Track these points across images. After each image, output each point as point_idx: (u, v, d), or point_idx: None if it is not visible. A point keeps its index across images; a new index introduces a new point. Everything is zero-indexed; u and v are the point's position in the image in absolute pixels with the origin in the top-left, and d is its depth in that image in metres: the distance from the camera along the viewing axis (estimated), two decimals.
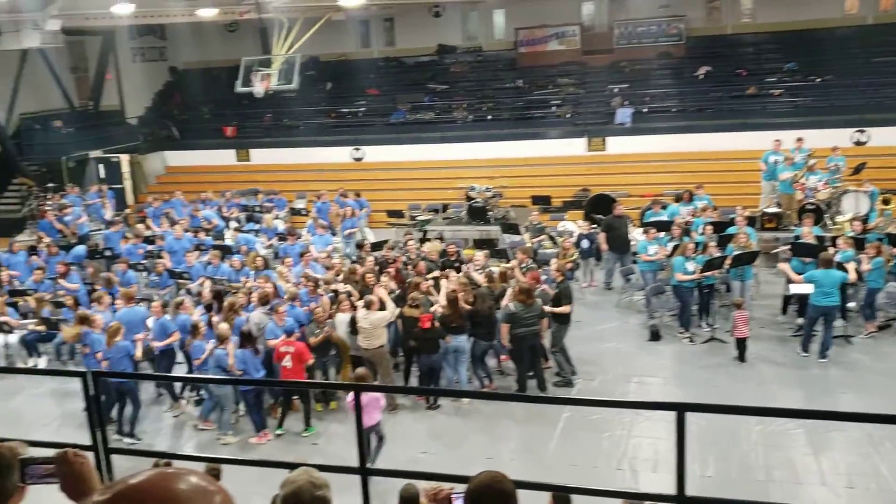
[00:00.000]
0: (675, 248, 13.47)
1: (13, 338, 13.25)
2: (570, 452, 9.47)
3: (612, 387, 11.29)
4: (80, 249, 17.00)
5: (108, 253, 17.18)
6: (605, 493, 4.03)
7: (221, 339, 10.26)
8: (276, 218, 19.38)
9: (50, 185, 22.64)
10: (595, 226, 16.19)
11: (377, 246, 15.39)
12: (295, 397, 10.75)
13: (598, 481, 8.10)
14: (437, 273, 12.85)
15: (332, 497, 2.89)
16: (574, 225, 17.15)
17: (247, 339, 10.24)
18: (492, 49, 27.55)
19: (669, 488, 3.36)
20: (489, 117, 24.51)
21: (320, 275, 13.16)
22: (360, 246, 15.42)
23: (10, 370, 11.81)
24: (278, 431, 10.50)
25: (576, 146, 22.57)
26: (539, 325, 11.03)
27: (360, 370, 9.69)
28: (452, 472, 3.66)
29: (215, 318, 11.30)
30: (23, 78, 23.69)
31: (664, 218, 15.59)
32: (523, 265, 12.76)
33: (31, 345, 13.25)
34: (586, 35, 26.17)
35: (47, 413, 11.48)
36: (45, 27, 20.16)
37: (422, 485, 5.70)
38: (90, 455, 2.96)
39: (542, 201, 19.50)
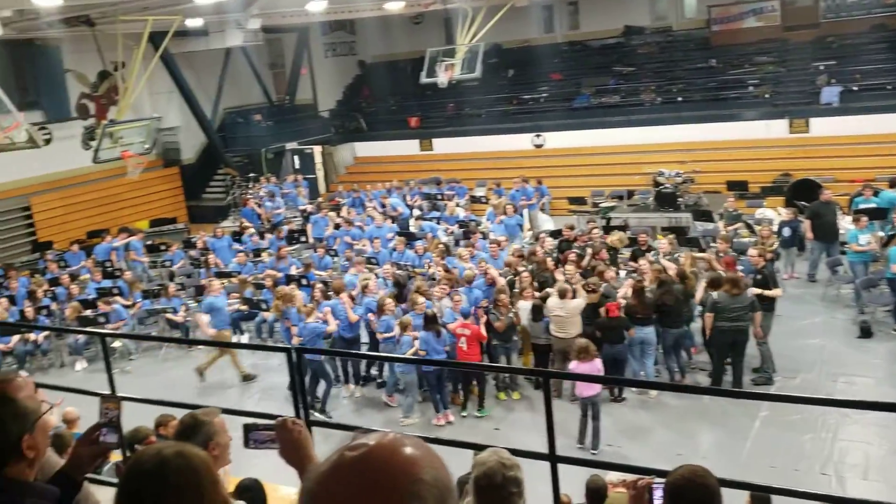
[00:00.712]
0: (891, 237, 12.28)
1: None
2: (768, 453, 8.82)
3: (817, 386, 10.39)
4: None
5: (303, 239, 18.21)
6: (813, 496, 3.53)
7: (404, 327, 10.51)
8: (458, 206, 19.62)
9: (251, 174, 24.27)
10: (798, 213, 15.03)
11: (555, 234, 15.15)
12: (474, 383, 10.78)
13: (799, 485, 7.44)
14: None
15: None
16: (773, 212, 16.05)
17: (430, 322, 10.41)
18: (682, 28, 26.34)
19: (884, 497, 2.94)
20: (679, 99, 23.43)
21: (500, 264, 13.16)
22: (536, 238, 15.23)
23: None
24: (463, 413, 10.63)
25: (775, 128, 21.07)
26: (747, 319, 10.26)
27: (582, 341, 9.59)
28: (643, 465, 3.40)
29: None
30: (227, 75, 25.51)
31: (877, 205, 14.29)
32: (720, 254, 12.08)
33: (234, 323, 14.14)
34: (787, 10, 24.33)
35: (249, 386, 12.28)
36: (247, 26, 21.52)
37: (609, 476, 5.48)
38: None
39: (738, 187, 18.47)
